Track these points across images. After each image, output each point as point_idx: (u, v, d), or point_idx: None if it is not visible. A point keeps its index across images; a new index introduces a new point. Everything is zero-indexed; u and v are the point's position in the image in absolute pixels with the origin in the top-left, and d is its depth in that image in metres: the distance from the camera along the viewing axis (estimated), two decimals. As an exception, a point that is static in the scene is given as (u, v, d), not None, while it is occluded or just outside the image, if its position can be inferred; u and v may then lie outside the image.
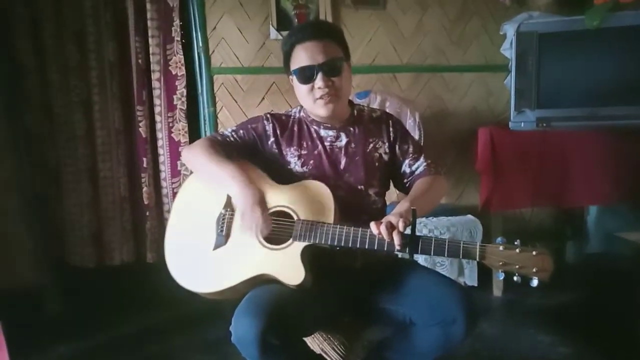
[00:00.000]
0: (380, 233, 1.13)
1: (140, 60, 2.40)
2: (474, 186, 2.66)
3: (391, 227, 1.12)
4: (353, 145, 1.38)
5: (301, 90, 1.34)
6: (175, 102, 2.47)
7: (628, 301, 1.96)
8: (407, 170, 1.40)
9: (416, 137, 2.39)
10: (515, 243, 1.13)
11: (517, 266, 1.11)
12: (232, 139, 1.39)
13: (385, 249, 1.17)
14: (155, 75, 2.41)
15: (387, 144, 1.41)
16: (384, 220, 1.15)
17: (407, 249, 1.16)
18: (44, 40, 2.34)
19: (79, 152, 2.45)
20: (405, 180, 1.41)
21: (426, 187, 1.33)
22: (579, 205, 2.67)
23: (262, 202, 1.23)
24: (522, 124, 2.30)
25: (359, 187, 1.35)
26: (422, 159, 1.40)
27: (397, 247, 1.13)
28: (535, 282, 1.11)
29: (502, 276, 1.14)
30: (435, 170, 1.39)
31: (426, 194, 1.31)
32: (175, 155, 2.50)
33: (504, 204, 2.35)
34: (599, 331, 2.06)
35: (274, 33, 2.51)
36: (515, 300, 2.39)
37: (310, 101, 1.33)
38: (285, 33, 2.44)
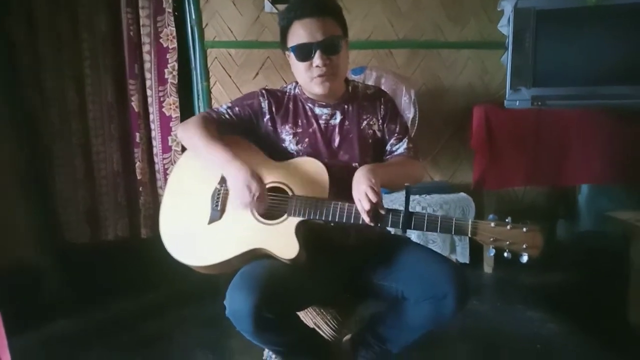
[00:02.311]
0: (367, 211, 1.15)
1: (131, 33, 2.35)
2: (468, 164, 2.67)
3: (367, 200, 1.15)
4: (347, 123, 1.38)
5: (298, 67, 1.32)
6: (166, 76, 2.43)
7: (617, 279, 2.00)
8: (388, 149, 1.41)
9: (411, 115, 2.38)
10: (507, 220, 1.14)
11: (507, 242, 1.13)
12: (227, 116, 1.37)
13: (378, 225, 1.18)
14: (145, 48, 2.37)
15: (379, 121, 1.40)
16: (353, 189, 1.18)
17: (400, 224, 1.17)
18: (35, 14, 2.28)
19: (72, 127, 2.42)
20: (384, 158, 1.42)
21: (399, 161, 1.37)
22: (573, 183, 2.69)
23: (258, 179, 1.22)
24: (517, 102, 2.29)
25: (353, 164, 1.35)
26: (404, 141, 1.40)
27: (371, 219, 1.16)
28: (525, 258, 1.12)
29: (493, 252, 1.15)
30: (414, 154, 1.40)
31: (396, 166, 1.35)
32: (166, 131, 2.48)
33: (497, 183, 2.37)
34: (588, 308, 2.11)
35: (268, 6, 2.47)
36: (506, 277, 2.43)
37: (307, 79, 1.32)
38: (280, 6, 2.41)
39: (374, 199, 1.15)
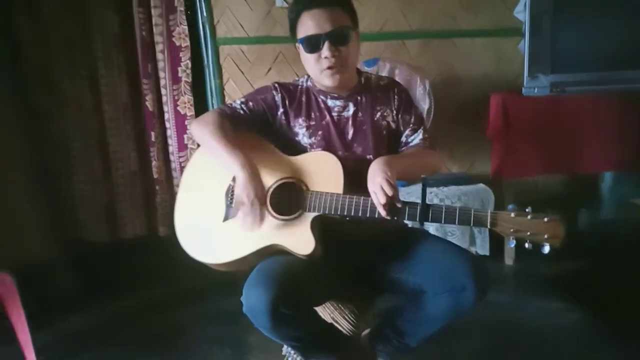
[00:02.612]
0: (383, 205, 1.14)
1: (144, 33, 2.37)
2: (486, 155, 2.61)
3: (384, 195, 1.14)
4: (360, 114, 1.36)
5: (308, 59, 1.31)
6: (180, 75, 2.45)
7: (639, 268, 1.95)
8: (403, 140, 1.39)
9: (426, 105, 2.35)
10: (527, 210, 1.12)
11: (528, 233, 1.10)
12: (241, 111, 1.37)
13: (395, 218, 1.17)
14: (158, 47, 2.39)
15: (394, 112, 1.38)
16: (369, 181, 1.17)
17: (417, 217, 1.15)
18: (45, 14, 2.31)
19: (88, 127, 2.45)
20: (399, 150, 1.39)
21: (415, 152, 1.35)
22: (593, 171, 2.63)
23: (257, 184, 1.21)
24: (536, 89, 2.24)
25: (368, 156, 1.33)
26: (420, 132, 1.38)
27: (387, 212, 1.14)
28: (547, 249, 1.10)
29: (513, 243, 1.13)
30: (430, 145, 1.37)
31: (414, 157, 1.33)
32: (181, 129, 2.49)
33: (516, 172, 2.32)
34: (611, 298, 2.06)
35: (279, 1, 2.46)
36: (527, 268, 2.39)
37: (317, 71, 1.31)
38: (290, 1, 2.39)
39: (389, 192, 1.13)
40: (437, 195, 2.30)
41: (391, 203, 1.15)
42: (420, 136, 1.37)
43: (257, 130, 1.37)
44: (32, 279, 2.13)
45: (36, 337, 1.62)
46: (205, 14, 2.43)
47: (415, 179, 1.34)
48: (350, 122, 1.36)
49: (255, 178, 1.21)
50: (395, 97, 1.39)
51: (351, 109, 1.36)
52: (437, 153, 1.41)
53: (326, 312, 1.39)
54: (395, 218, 1.17)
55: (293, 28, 1.33)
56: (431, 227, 2.20)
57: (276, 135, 1.37)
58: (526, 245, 1.12)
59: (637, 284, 2.01)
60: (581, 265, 2.38)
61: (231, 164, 1.23)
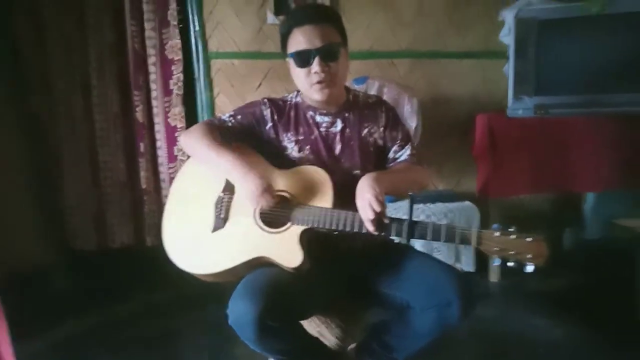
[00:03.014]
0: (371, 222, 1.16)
1: (136, 45, 2.38)
2: (473, 173, 2.65)
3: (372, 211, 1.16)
4: (348, 130, 1.39)
5: (298, 74, 1.33)
6: (171, 87, 2.46)
7: (624, 287, 1.98)
8: (391, 156, 1.41)
9: (414, 123, 2.39)
10: (511, 229, 1.14)
11: (512, 252, 1.12)
12: (230, 124, 1.38)
13: (382, 234, 1.18)
14: (151, 60, 2.40)
15: (381, 129, 1.41)
16: (357, 197, 1.19)
17: (404, 233, 1.17)
18: (43, 18, 2.32)
19: (79, 135, 2.44)
20: (387, 166, 1.42)
21: (403, 168, 1.37)
22: (577, 191, 2.68)
23: (269, 188, 1.24)
24: (520, 111, 2.29)
25: (355, 171, 1.35)
26: (407, 148, 1.41)
27: (375, 228, 1.16)
28: (530, 268, 1.11)
29: (498, 262, 1.15)
30: (417, 161, 1.40)
31: (400, 173, 1.36)
32: (172, 141, 2.50)
33: (502, 191, 2.36)
34: (596, 317, 2.08)
35: (271, 17, 2.49)
36: (512, 286, 2.41)
37: (306, 85, 1.33)
38: (282, 18, 2.43)
39: (377, 209, 1.15)
40: (423, 212, 2.33)
41: (379, 219, 1.17)
42: (408, 152, 1.40)
43: (246, 143, 1.39)
44: (20, 286, 2.10)
45: (20, 345, 1.58)
46: (197, 28, 2.45)
47: (403, 194, 1.36)
48: (338, 137, 1.38)
49: (252, 174, 1.23)
50: (383, 114, 1.42)
51: (339, 125, 1.39)
52: (425, 169, 1.44)
53: (312, 325, 1.39)
54: (382, 234, 1.19)
55: (284, 43, 1.35)
56: (417, 243, 2.22)
57: (265, 149, 1.39)
58: (510, 264, 1.14)
59: (621, 302, 2.04)
60: (565, 283, 2.41)
61: (222, 166, 1.26)
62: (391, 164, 1.41)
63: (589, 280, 2.45)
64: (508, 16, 2.33)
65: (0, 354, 1.52)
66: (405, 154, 1.40)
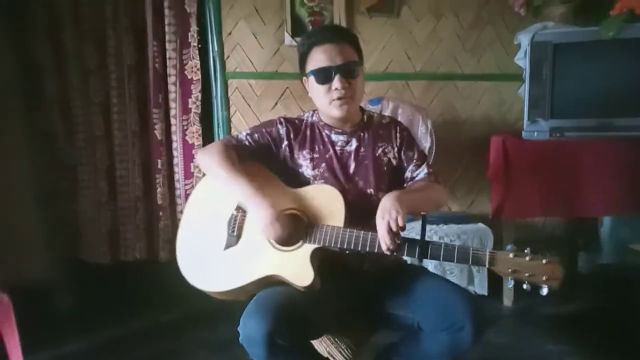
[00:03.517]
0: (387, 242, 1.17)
1: (157, 65, 2.45)
2: (486, 195, 2.65)
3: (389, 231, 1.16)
4: (363, 150, 1.40)
5: (318, 91, 1.36)
6: (190, 106, 2.52)
7: (638, 313, 1.94)
8: (408, 176, 1.42)
9: (428, 144, 2.40)
10: (526, 251, 1.13)
11: (527, 274, 1.11)
12: (247, 142, 1.41)
13: (394, 253, 1.18)
14: (171, 80, 2.46)
15: (395, 149, 1.42)
16: (379, 215, 1.19)
17: (416, 253, 1.17)
18: (64, 42, 2.40)
19: (97, 152, 2.50)
20: (405, 185, 1.43)
21: (422, 187, 1.38)
22: (591, 215, 2.64)
23: (282, 222, 1.25)
24: (536, 133, 2.29)
25: (368, 190, 1.36)
26: (424, 167, 1.42)
27: (390, 247, 1.17)
28: (545, 291, 1.10)
29: (511, 284, 1.14)
30: (434, 179, 1.41)
31: (420, 192, 1.36)
32: (188, 158, 2.54)
33: (516, 213, 2.33)
34: (609, 342, 2.04)
35: (288, 39, 2.55)
36: (526, 310, 2.37)
37: (326, 102, 1.36)
38: (299, 39, 2.48)
39: (396, 229, 1.16)
40: (436, 233, 2.32)
41: (394, 239, 1.17)
42: (425, 170, 1.41)
43: (262, 161, 1.41)
44: (30, 301, 2.13)
45: (34, 358, 1.61)
46: (216, 48, 2.52)
47: (423, 212, 1.37)
48: (352, 156, 1.40)
49: (267, 205, 1.25)
50: (397, 135, 1.44)
51: (354, 144, 1.41)
52: (442, 187, 1.43)
53: (322, 345, 1.39)
54: (395, 254, 1.19)
55: (303, 62, 1.39)
56: (430, 265, 2.21)
57: (280, 167, 1.41)
58: (524, 286, 1.13)
59: (635, 328, 1.99)
60: (580, 308, 2.36)
61: (240, 192, 1.28)
62: (409, 183, 1.42)
63: (604, 305, 2.40)
64: (524, 39, 2.34)
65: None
66: (422, 172, 1.41)
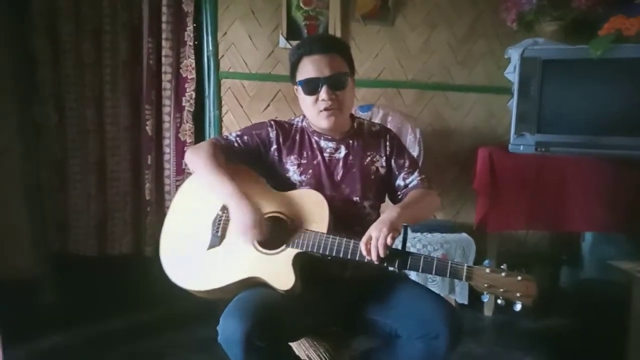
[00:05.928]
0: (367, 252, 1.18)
1: (151, 62, 2.45)
2: (472, 205, 2.68)
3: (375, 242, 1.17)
4: (351, 157, 1.42)
5: (305, 101, 1.37)
6: (183, 104, 2.53)
7: (617, 329, 1.98)
8: (401, 184, 1.44)
9: (416, 153, 2.42)
10: (502, 267, 1.16)
11: (501, 289, 1.14)
12: (236, 144, 1.42)
13: (376, 262, 1.20)
14: (166, 77, 2.47)
15: (384, 157, 1.44)
16: (370, 231, 1.19)
17: (396, 263, 1.19)
18: (61, 37, 2.40)
19: (89, 145, 2.50)
20: (398, 193, 1.44)
21: (418, 197, 1.37)
22: (575, 230, 2.68)
23: (260, 222, 1.25)
24: (522, 147, 2.32)
25: (354, 198, 1.38)
26: (416, 174, 1.43)
27: (374, 260, 1.18)
28: (518, 307, 1.13)
29: (487, 298, 1.17)
30: (428, 185, 1.42)
31: (418, 203, 1.35)
32: (180, 154, 2.56)
33: (499, 225, 2.36)
34: (587, 356, 2.07)
35: (283, 42, 2.56)
36: (505, 321, 2.40)
37: (313, 112, 1.37)
38: (294, 42, 2.50)
39: (384, 245, 1.16)
40: (420, 241, 2.34)
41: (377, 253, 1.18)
42: (418, 177, 1.42)
43: (249, 163, 1.42)
44: (14, 293, 2.12)
45: (11, 352, 1.60)
46: (211, 47, 2.53)
47: (418, 221, 1.38)
48: (340, 163, 1.41)
49: (246, 205, 1.25)
50: (387, 143, 1.45)
51: (343, 151, 1.42)
52: (436, 192, 1.44)
53: (301, 348, 1.40)
54: (376, 262, 1.21)
55: (293, 71, 1.40)
56: (412, 273, 2.23)
57: (267, 170, 1.42)
58: (499, 301, 1.15)
59: (613, 343, 2.03)
60: (559, 322, 2.40)
61: (221, 192, 1.29)
62: (403, 191, 1.43)
63: (584, 320, 2.44)
64: (514, 54, 2.38)
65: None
66: (415, 179, 1.42)
